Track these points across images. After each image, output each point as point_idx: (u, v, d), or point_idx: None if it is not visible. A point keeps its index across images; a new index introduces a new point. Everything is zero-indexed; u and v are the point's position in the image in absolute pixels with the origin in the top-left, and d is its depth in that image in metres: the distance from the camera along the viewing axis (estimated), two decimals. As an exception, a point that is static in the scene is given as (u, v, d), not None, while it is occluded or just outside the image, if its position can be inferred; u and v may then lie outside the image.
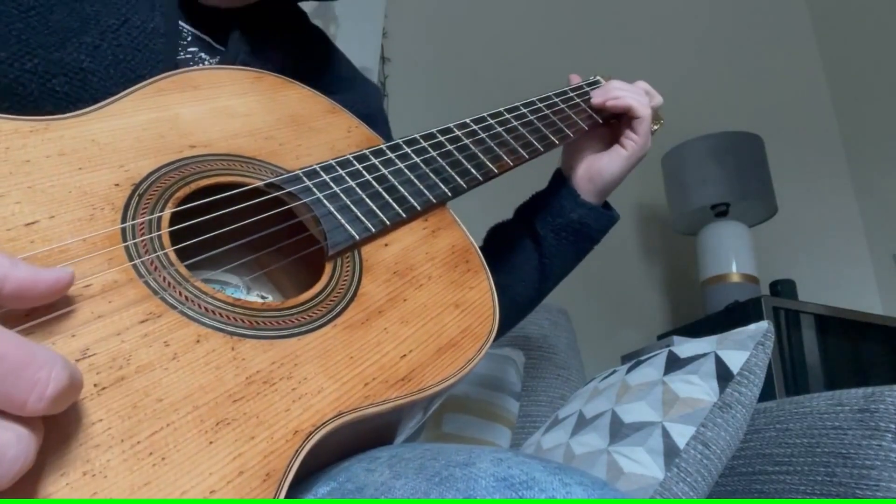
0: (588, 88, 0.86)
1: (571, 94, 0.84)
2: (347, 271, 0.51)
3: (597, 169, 0.83)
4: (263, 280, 0.57)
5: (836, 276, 2.36)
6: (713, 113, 2.27)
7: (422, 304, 0.52)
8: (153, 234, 0.45)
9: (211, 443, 0.37)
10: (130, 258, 0.43)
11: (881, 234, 2.45)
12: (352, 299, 0.49)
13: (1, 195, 0.42)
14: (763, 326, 0.86)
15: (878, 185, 2.47)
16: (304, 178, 0.55)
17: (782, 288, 1.96)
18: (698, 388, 0.82)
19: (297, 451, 0.39)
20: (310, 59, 0.78)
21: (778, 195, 2.02)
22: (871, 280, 2.44)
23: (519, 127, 0.74)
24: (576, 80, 0.89)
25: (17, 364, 0.30)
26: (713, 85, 2.37)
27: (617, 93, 0.83)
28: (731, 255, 1.96)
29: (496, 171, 0.68)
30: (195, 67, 0.59)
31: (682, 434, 0.79)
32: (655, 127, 0.86)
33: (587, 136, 0.84)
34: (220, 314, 0.43)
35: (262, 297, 0.56)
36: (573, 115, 0.81)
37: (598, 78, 0.90)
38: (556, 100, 0.82)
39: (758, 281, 1.95)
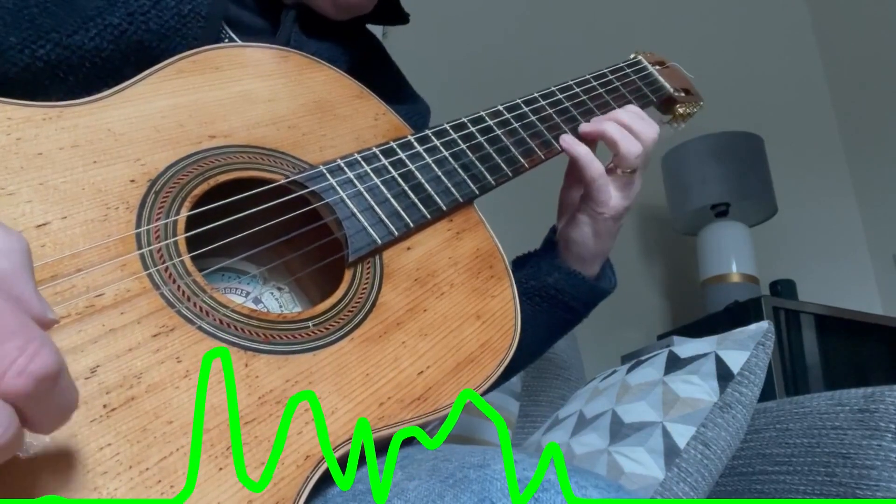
0: (628, 70, 0.81)
1: (611, 77, 0.79)
2: (367, 278, 0.50)
3: (566, 234, 0.73)
4: (281, 269, 0.56)
5: (836, 276, 2.36)
6: (713, 113, 2.26)
7: (442, 314, 0.50)
8: (169, 241, 0.43)
9: (220, 469, 0.35)
10: (145, 266, 0.41)
11: (881, 234, 2.44)
12: (370, 310, 0.48)
13: (11, 193, 0.40)
14: (763, 326, 0.86)
15: (878, 185, 2.47)
16: (328, 175, 0.52)
17: (782, 288, 1.96)
18: (698, 388, 0.83)
19: (307, 477, 0.38)
20: (367, 67, 0.73)
21: (778, 195, 2.02)
22: (871, 280, 2.44)
23: (554, 115, 0.70)
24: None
25: (6, 328, 0.27)
26: (713, 85, 2.36)
27: (603, 126, 0.70)
28: (731, 255, 1.96)
29: (527, 165, 0.65)
30: (217, 45, 0.56)
31: (682, 434, 0.79)
32: (632, 175, 0.71)
33: (578, 184, 0.73)
34: (235, 327, 0.41)
35: (279, 289, 0.55)
36: (611, 102, 0.76)
37: (638, 57, 0.85)
38: (595, 83, 0.77)
39: (758, 281, 1.95)
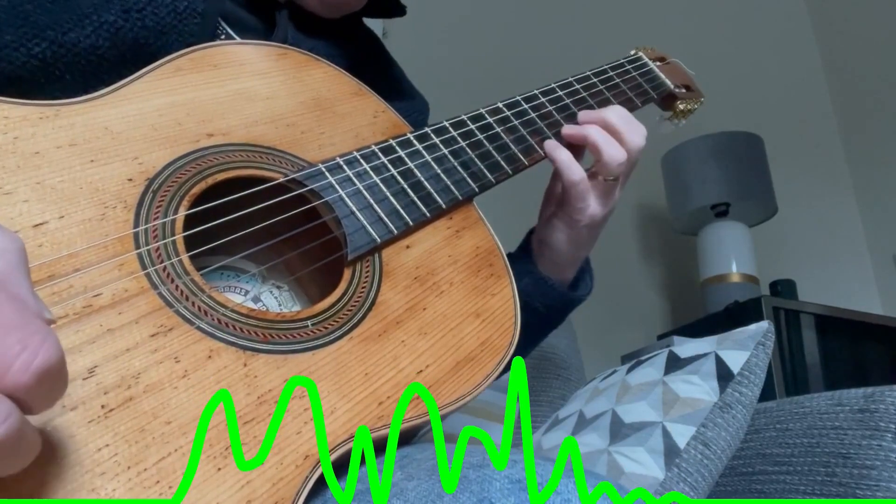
0: (629, 66, 0.80)
1: (611, 73, 0.78)
2: (367, 277, 0.49)
3: (541, 236, 0.72)
4: (280, 268, 0.55)
5: (836, 276, 2.36)
6: (713, 113, 2.27)
7: (441, 313, 0.50)
8: (167, 240, 0.43)
9: (219, 469, 0.35)
10: (143, 266, 0.41)
11: (881, 234, 2.44)
12: (370, 308, 0.47)
13: (8, 192, 0.40)
14: (763, 326, 0.86)
15: (878, 185, 2.47)
16: (326, 173, 0.52)
17: (782, 288, 1.96)
18: (699, 388, 0.82)
19: (306, 477, 0.37)
20: (365, 64, 0.72)
21: (778, 195, 2.02)
22: (871, 280, 2.43)
23: (554, 112, 0.69)
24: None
25: (8, 323, 0.27)
26: (713, 85, 2.36)
27: (586, 130, 0.67)
28: (731, 255, 1.96)
29: (527, 163, 0.65)
30: (215, 43, 0.55)
31: (682, 434, 0.79)
32: (610, 182, 0.68)
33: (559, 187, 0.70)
34: (234, 327, 0.41)
35: (279, 287, 0.55)
36: (611, 98, 0.75)
37: (639, 53, 0.84)
38: (595, 80, 0.76)
39: (758, 281, 1.95)
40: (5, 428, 0.26)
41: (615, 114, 0.68)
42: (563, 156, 0.66)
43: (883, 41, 2.49)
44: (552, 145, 0.67)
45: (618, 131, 0.67)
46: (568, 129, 0.68)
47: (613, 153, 0.65)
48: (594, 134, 0.66)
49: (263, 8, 0.67)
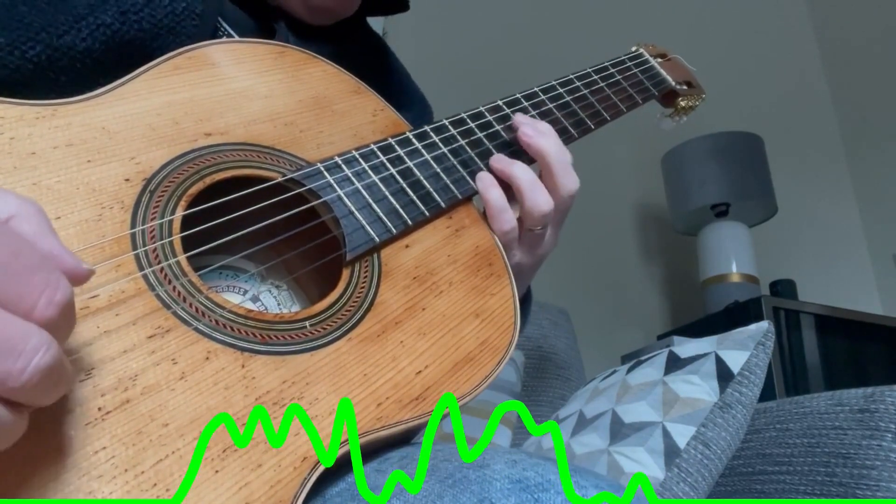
0: (630, 63, 0.79)
1: (612, 70, 0.77)
2: (365, 277, 0.49)
3: None
4: (279, 267, 0.55)
5: (836, 276, 2.36)
6: (713, 113, 2.27)
7: (441, 313, 0.50)
8: (164, 241, 0.43)
9: (217, 472, 0.35)
10: (140, 267, 0.40)
11: (881, 235, 2.44)
12: (368, 309, 0.47)
13: None
14: (763, 326, 0.86)
15: (878, 185, 2.47)
16: (325, 173, 0.52)
17: (782, 288, 1.96)
18: (699, 388, 0.82)
19: (304, 479, 0.37)
20: (366, 71, 0.69)
21: (778, 195, 2.02)
22: (871, 280, 2.44)
23: (554, 110, 0.69)
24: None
25: (31, 264, 0.28)
26: (713, 85, 2.36)
27: (513, 169, 0.57)
28: (731, 255, 1.96)
29: (526, 161, 0.63)
30: (214, 41, 0.55)
31: (682, 434, 0.79)
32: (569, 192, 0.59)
33: None
34: (231, 328, 0.41)
35: (277, 287, 0.54)
36: (612, 95, 0.74)
37: (640, 50, 0.83)
38: (596, 77, 0.74)
39: (758, 281, 1.95)
40: (50, 355, 0.27)
41: (552, 147, 0.58)
42: (496, 198, 0.57)
43: (883, 41, 2.49)
44: (487, 182, 0.57)
45: (553, 172, 0.58)
46: (496, 162, 0.59)
47: (538, 201, 0.56)
48: (520, 175, 0.57)
49: (261, 16, 0.66)
